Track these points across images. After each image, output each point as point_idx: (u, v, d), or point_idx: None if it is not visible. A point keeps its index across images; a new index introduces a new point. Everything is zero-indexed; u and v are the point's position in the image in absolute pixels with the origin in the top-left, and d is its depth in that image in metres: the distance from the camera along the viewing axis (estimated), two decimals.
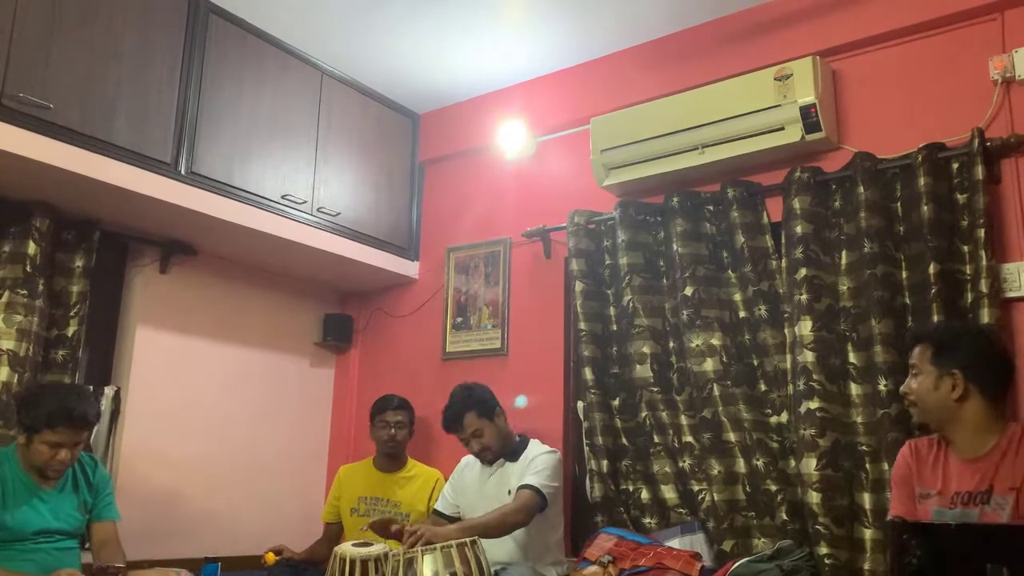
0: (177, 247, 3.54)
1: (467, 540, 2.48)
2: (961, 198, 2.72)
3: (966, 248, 2.68)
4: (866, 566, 2.64)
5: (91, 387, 3.24)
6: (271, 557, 3.23)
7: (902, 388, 2.23)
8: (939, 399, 2.10)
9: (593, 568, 2.84)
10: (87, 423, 2.59)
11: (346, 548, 2.57)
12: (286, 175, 3.53)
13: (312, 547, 3.48)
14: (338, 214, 3.72)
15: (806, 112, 2.94)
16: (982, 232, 2.61)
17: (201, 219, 3.25)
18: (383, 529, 2.78)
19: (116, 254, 3.49)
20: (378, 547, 2.55)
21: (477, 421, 3.03)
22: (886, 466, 2.65)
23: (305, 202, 3.59)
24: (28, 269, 2.99)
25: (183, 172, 3.15)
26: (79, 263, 3.16)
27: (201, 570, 2.86)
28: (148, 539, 3.32)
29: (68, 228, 3.16)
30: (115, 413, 3.29)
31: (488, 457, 3.06)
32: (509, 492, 2.94)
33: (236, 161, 3.34)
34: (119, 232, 3.38)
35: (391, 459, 3.58)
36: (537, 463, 2.95)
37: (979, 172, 2.65)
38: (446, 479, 3.34)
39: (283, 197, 3.50)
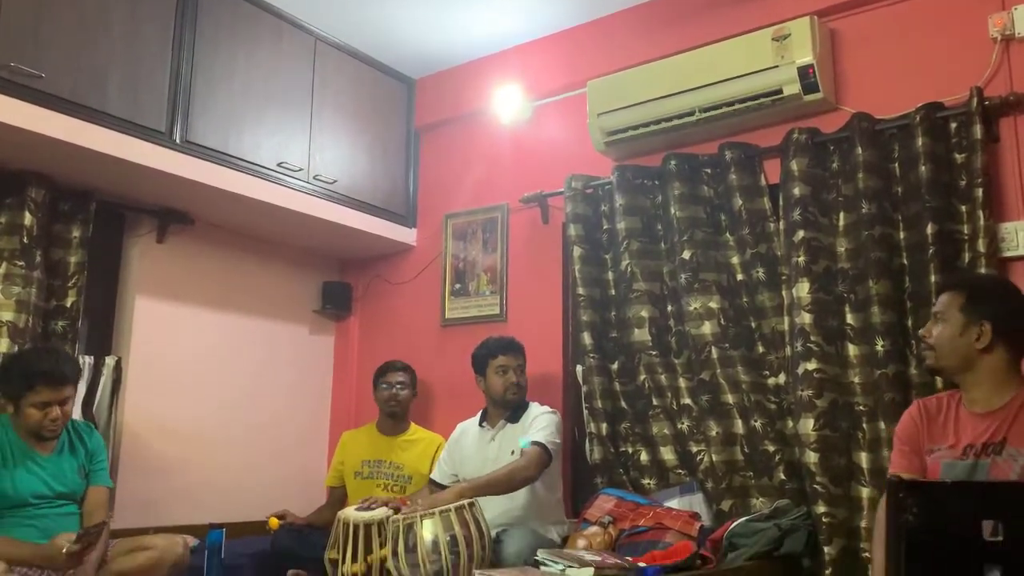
0: (174, 217, 3.52)
1: (465, 503, 2.51)
2: (959, 158, 2.71)
3: (964, 208, 2.68)
4: (863, 524, 2.67)
5: (90, 356, 3.25)
6: (274, 522, 3.27)
7: (921, 331, 2.21)
8: (962, 346, 2.07)
9: (593, 528, 2.88)
10: (65, 379, 2.63)
11: (349, 512, 2.61)
12: (281, 143, 3.51)
13: (316, 512, 3.53)
14: (334, 181, 3.70)
15: (804, 73, 2.92)
16: (980, 191, 2.61)
17: (197, 188, 3.24)
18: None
19: (113, 224, 3.48)
20: (380, 511, 2.58)
21: (524, 359, 3.17)
22: (883, 426, 2.67)
23: (301, 170, 3.57)
24: (25, 240, 2.98)
25: (178, 141, 3.13)
26: (76, 233, 3.16)
27: (206, 536, 2.90)
28: (152, 507, 3.36)
29: (64, 199, 3.15)
30: (116, 383, 3.30)
31: (517, 395, 3.11)
32: (512, 453, 2.97)
33: (231, 129, 3.32)
34: (115, 202, 3.37)
35: (394, 421, 3.60)
36: (540, 421, 2.99)
37: (977, 131, 2.64)
38: None
39: (279, 165, 3.48)
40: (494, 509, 2.87)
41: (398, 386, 3.57)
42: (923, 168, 2.70)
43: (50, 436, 2.64)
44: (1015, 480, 1.90)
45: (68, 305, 3.11)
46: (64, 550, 2.38)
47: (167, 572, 2.63)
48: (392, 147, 4.08)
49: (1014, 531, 1.07)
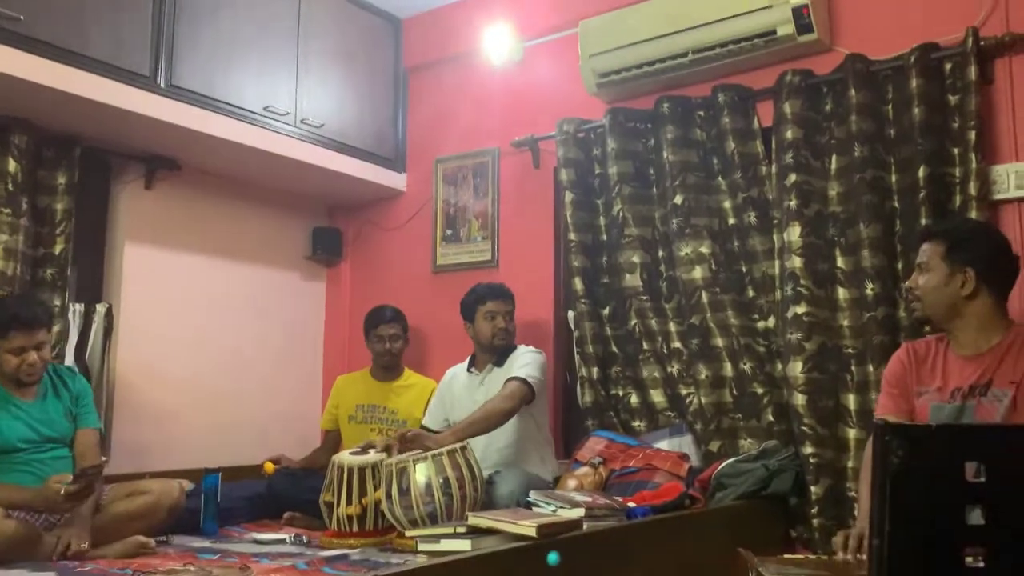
0: (161, 162, 3.48)
1: (457, 446, 2.54)
2: (953, 100, 2.69)
3: (956, 150, 2.67)
4: (849, 464, 2.73)
5: (81, 303, 3.25)
6: (269, 467, 3.30)
7: (907, 283, 2.23)
8: (948, 295, 2.09)
9: (584, 469, 2.93)
10: (38, 322, 2.62)
11: (343, 456, 2.64)
12: (267, 86, 3.45)
13: (311, 455, 3.57)
14: (322, 125, 3.65)
15: (798, 13, 2.87)
16: (973, 134, 2.59)
17: (183, 133, 3.19)
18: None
19: (99, 170, 3.43)
20: (374, 455, 2.61)
21: (513, 306, 3.20)
22: (871, 368, 2.70)
23: (288, 114, 3.52)
24: (10, 187, 2.95)
25: (162, 85, 3.08)
26: (62, 180, 3.12)
27: (201, 480, 2.93)
28: (147, 452, 3.39)
29: (48, 145, 3.11)
30: (107, 330, 3.30)
31: (504, 340, 3.14)
32: None
33: (216, 72, 3.26)
34: (101, 148, 3.32)
35: (388, 370, 3.63)
36: (522, 359, 3.03)
37: (972, 72, 2.61)
38: None
39: (265, 109, 3.43)
40: (486, 450, 2.91)
41: (391, 339, 3.57)
42: (916, 110, 2.68)
43: (29, 381, 2.64)
44: (998, 423, 1.93)
45: (56, 252, 3.09)
46: (62, 491, 2.40)
47: (164, 516, 2.67)
48: (380, 90, 4.01)
49: (995, 472, 1.10)
